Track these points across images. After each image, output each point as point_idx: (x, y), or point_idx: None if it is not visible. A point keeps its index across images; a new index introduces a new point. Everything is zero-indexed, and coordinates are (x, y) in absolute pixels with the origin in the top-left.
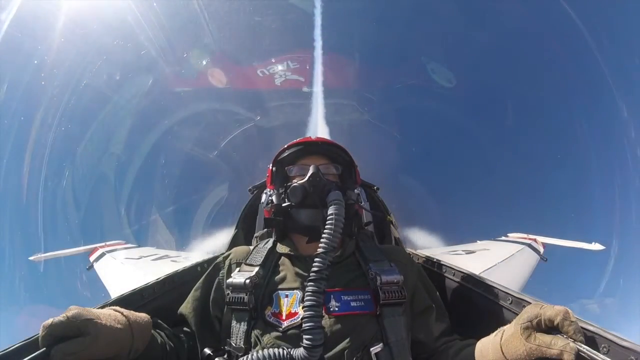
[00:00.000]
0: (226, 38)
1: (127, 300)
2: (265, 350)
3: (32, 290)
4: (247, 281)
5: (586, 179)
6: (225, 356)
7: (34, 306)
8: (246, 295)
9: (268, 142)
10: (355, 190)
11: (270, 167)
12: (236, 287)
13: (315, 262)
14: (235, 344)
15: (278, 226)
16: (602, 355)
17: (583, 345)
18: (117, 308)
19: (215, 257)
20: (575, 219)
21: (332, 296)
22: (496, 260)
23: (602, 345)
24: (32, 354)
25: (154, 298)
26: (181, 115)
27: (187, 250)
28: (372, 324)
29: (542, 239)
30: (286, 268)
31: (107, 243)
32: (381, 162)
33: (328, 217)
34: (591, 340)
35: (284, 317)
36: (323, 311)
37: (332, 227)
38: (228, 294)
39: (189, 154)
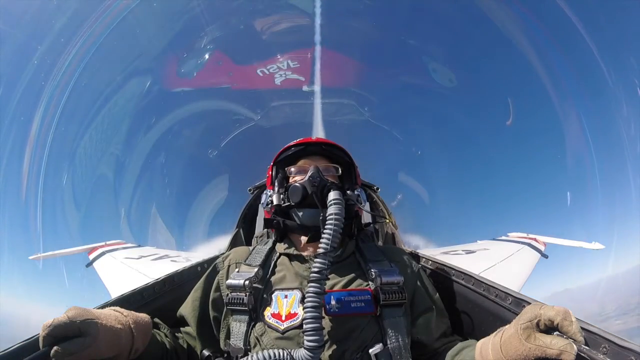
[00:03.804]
0: (226, 37)
1: (127, 300)
2: (266, 351)
3: (32, 290)
4: (246, 282)
5: (586, 179)
6: (225, 357)
7: (34, 306)
8: (245, 295)
9: (268, 142)
10: (355, 191)
11: (270, 168)
12: (235, 288)
13: (315, 262)
14: (235, 345)
15: (278, 226)
16: (601, 356)
17: (583, 346)
18: (118, 308)
19: (215, 258)
20: (575, 218)
21: (332, 297)
22: (496, 260)
23: (602, 345)
24: (32, 354)
25: (154, 298)
26: (181, 115)
27: (187, 250)
28: (372, 325)
29: (542, 238)
30: (285, 268)
31: (107, 243)
32: (381, 162)
33: (328, 218)
34: (591, 340)
35: (283, 318)
36: (323, 312)
37: (332, 227)
38: (227, 294)
39: (188, 154)
